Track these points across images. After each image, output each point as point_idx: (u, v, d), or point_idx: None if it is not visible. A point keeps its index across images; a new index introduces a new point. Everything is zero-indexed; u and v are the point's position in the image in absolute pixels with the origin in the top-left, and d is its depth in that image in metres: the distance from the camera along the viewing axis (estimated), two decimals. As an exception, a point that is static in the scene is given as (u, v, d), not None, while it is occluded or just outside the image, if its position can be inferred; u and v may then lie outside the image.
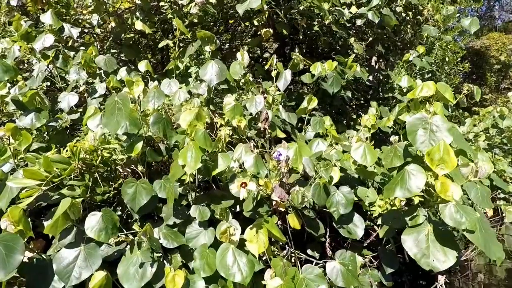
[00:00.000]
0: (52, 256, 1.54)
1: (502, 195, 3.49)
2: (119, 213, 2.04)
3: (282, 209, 1.82)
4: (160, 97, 2.14)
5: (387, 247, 2.35)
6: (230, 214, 1.78)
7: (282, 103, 2.66)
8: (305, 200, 1.77)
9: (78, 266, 1.50)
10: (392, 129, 2.98)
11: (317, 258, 2.18)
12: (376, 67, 4.43)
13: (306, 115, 2.61)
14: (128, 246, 1.68)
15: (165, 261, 1.72)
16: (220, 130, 1.94)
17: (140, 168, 1.86)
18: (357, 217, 2.01)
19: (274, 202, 1.77)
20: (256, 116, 2.29)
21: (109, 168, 1.95)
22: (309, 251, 2.24)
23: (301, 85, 3.85)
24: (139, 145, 1.77)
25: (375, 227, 2.57)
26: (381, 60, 4.68)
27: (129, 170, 1.90)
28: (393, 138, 2.12)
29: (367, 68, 3.56)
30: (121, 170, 1.88)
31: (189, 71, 2.70)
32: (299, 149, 1.96)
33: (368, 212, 2.33)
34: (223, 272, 1.53)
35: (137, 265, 1.57)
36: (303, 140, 2.34)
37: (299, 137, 2.48)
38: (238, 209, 1.92)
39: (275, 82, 2.39)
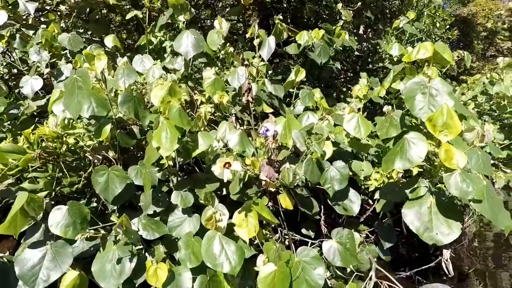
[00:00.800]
0: (14, 258, 1.35)
1: (491, 161, 3.46)
2: (95, 204, 1.87)
3: (272, 189, 1.67)
4: (130, 74, 1.92)
5: (384, 221, 2.26)
6: (216, 198, 1.62)
7: (268, 76, 2.46)
8: (297, 178, 1.62)
9: (46, 267, 1.32)
10: (384, 100, 2.85)
11: (312, 237, 2.08)
12: (365, 36, 4.22)
13: (294, 88, 2.43)
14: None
15: (147, 254, 1.57)
16: (201, 108, 1.74)
17: (111, 154, 1.65)
18: (352, 193, 1.90)
19: (263, 182, 1.62)
20: (240, 90, 2.09)
21: (77, 156, 1.74)
22: (303, 231, 2.14)
23: (288, 58, 3.64)
24: (107, 128, 1.56)
25: (370, 201, 2.47)
26: (369, 30, 4.48)
27: (100, 157, 1.69)
28: (386, 108, 1.99)
29: (355, 38, 3.36)
30: (90, 157, 1.68)
31: (163, 45, 2.44)
32: (288, 123, 1.79)
33: (363, 186, 2.22)
34: (210, 263, 1.38)
35: (114, 261, 1.41)
36: (292, 114, 2.16)
37: (288, 111, 2.30)
38: (224, 192, 1.77)
39: (258, 51, 2.17)
